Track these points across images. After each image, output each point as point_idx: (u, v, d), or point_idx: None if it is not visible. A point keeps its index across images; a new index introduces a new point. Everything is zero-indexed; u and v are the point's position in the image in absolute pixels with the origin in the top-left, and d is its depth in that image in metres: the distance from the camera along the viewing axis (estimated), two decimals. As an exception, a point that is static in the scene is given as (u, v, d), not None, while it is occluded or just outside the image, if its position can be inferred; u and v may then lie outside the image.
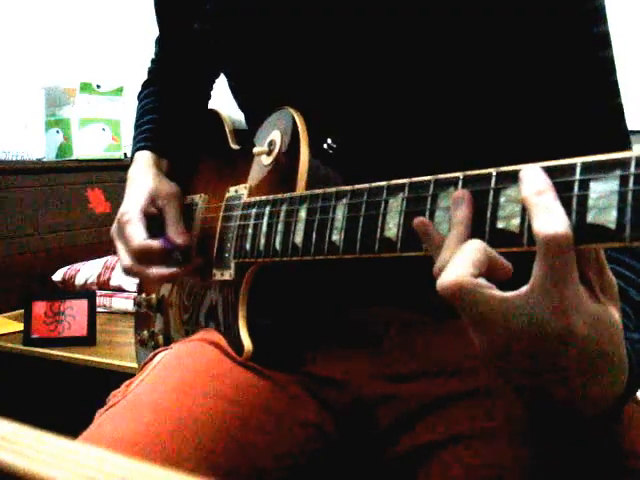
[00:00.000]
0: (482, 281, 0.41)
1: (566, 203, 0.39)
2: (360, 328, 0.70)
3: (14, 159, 2.21)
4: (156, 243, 0.76)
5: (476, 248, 0.41)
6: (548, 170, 0.40)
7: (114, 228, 0.80)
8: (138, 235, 0.76)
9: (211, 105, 0.96)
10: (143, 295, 0.93)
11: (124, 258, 0.77)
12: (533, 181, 0.40)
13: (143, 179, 0.83)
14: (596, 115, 0.62)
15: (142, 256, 0.76)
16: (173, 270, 0.76)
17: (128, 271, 0.78)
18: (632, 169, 0.36)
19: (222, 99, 0.88)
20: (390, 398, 0.65)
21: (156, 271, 0.76)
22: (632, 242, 0.36)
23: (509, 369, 0.44)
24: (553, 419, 0.50)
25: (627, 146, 0.64)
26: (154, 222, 0.79)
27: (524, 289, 0.40)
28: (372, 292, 0.69)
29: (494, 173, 0.43)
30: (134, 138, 0.91)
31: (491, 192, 0.43)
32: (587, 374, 0.43)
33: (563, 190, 0.39)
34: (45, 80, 2.26)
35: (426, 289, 0.66)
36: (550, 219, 0.38)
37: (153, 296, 0.90)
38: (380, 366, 0.67)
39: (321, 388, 0.67)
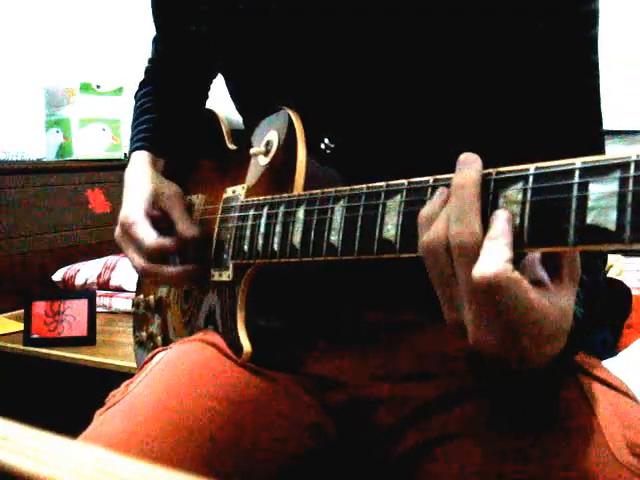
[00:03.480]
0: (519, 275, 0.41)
1: (566, 204, 0.39)
2: (358, 329, 0.70)
3: (14, 159, 2.21)
4: (169, 241, 0.75)
5: (506, 221, 0.42)
6: (547, 172, 0.40)
7: (118, 233, 0.79)
8: (149, 235, 0.75)
9: (210, 105, 0.96)
10: (141, 296, 0.93)
11: (137, 260, 0.77)
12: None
13: (142, 182, 0.82)
14: (582, 118, 0.64)
15: (156, 255, 0.75)
16: (190, 267, 0.75)
17: (144, 273, 0.77)
18: (632, 171, 0.36)
19: (222, 100, 0.88)
20: (389, 398, 0.65)
21: (174, 269, 0.75)
22: (632, 244, 0.36)
23: (504, 351, 0.45)
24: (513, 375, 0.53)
25: (602, 148, 0.66)
26: (157, 224, 0.79)
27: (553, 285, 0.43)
28: (370, 293, 0.69)
29: (494, 173, 0.43)
30: (131, 138, 0.91)
31: (490, 195, 0.43)
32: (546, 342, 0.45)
33: (562, 191, 0.39)
34: (45, 80, 2.26)
35: (424, 290, 0.67)
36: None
37: (151, 297, 0.90)
38: (379, 367, 0.67)
39: (320, 388, 0.68)
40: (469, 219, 0.42)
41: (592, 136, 0.65)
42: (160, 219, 0.80)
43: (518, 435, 0.58)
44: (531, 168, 0.41)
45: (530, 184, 0.41)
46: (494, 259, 0.41)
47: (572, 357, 0.59)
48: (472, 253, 0.42)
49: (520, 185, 0.42)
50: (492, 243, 0.41)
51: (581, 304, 0.52)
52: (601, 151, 0.65)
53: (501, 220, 0.42)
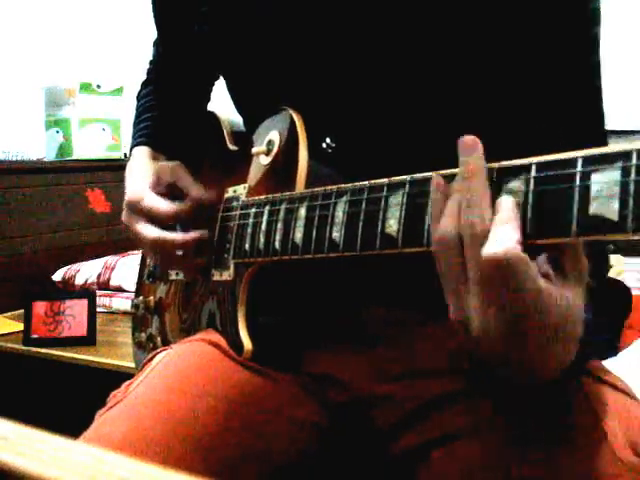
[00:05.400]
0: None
1: (568, 195, 0.39)
2: (359, 328, 0.70)
3: (14, 159, 2.21)
4: (185, 205, 0.74)
5: (514, 206, 0.42)
6: (549, 163, 0.40)
7: (125, 214, 0.78)
8: (163, 202, 0.74)
9: (211, 107, 0.97)
10: (141, 297, 0.93)
11: (149, 231, 0.74)
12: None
13: (144, 167, 0.82)
14: (580, 117, 0.64)
15: (172, 221, 0.74)
16: (204, 232, 0.73)
17: (157, 242, 0.74)
18: (634, 160, 0.36)
19: (223, 101, 0.88)
20: (389, 397, 0.65)
21: (187, 235, 0.73)
22: (634, 233, 0.36)
23: (508, 348, 0.45)
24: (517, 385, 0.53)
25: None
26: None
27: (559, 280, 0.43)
28: (370, 292, 0.69)
29: (496, 167, 0.43)
30: (132, 136, 0.91)
31: (495, 186, 0.43)
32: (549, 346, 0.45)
33: (565, 182, 0.39)
34: (45, 80, 2.26)
35: (424, 288, 0.67)
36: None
37: (151, 298, 0.90)
38: (379, 366, 0.67)
39: (320, 387, 0.68)
40: (481, 207, 0.42)
41: (595, 134, 0.65)
42: (166, 194, 0.78)
43: (520, 435, 0.57)
44: (534, 159, 0.41)
45: (533, 174, 0.41)
46: (504, 238, 0.40)
47: (582, 368, 0.59)
48: (484, 240, 0.42)
49: (523, 176, 0.42)
50: (501, 225, 0.41)
51: (590, 311, 0.51)
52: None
53: (508, 204, 0.42)
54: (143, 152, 0.86)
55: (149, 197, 0.75)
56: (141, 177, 0.80)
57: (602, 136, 0.65)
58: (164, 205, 0.74)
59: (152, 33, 0.94)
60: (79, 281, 1.93)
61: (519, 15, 0.61)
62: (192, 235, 0.74)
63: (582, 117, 0.64)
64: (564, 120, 0.63)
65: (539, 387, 0.51)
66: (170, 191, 0.78)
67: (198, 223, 0.76)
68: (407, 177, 0.49)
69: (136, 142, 0.88)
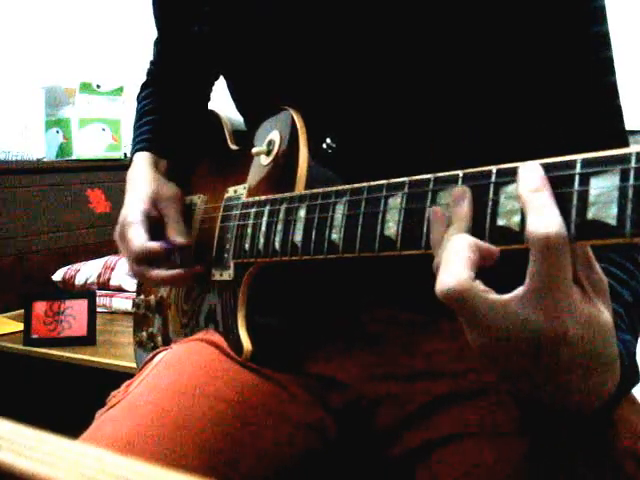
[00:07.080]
0: (481, 285, 0.41)
1: (566, 199, 0.39)
2: (360, 328, 0.70)
3: (14, 159, 2.21)
4: (155, 245, 0.76)
5: (468, 245, 0.41)
6: (548, 166, 0.40)
7: (117, 232, 0.80)
8: (138, 238, 0.76)
9: (212, 106, 0.97)
10: (142, 296, 0.93)
11: (127, 261, 0.78)
12: (529, 178, 0.40)
13: (143, 182, 0.83)
14: (595, 115, 0.63)
15: (143, 258, 0.76)
16: (173, 272, 0.76)
17: (132, 274, 0.79)
18: (633, 164, 0.36)
19: (223, 101, 0.88)
20: (390, 398, 0.65)
21: (156, 273, 0.76)
22: (633, 238, 0.36)
23: (505, 370, 0.44)
24: (544, 416, 0.51)
25: (625, 146, 0.63)
26: (156, 225, 0.79)
27: (520, 291, 0.40)
28: (371, 292, 0.69)
29: (494, 170, 0.43)
30: (133, 139, 0.91)
31: (491, 189, 0.43)
32: (577, 373, 0.42)
33: (563, 186, 0.39)
34: (45, 80, 2.26)
35: (425, 289, 0.67)
36: (543, 219, 0.38)
37: (152, 297, 0.90)
38: (380, 366, 0.67)
39: (321, 388, 0.67)
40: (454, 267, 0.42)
41: (612, 131, 0.63)
42: (159, 220, 0.80)
43: (518, 437, 0.57)
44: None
45: None
46: (444, 279, 0.41)
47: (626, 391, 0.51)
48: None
49: None
50: (445, 264, 0.41)
51: (627, 330, 0.49)
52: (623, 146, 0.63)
53: (459, 244, 0.41)
54: (144, 159, 0.86)
55: (134, 227, 0.77)
56: (137, 197, 0.81)
57: (620, 132, 0.64)
58: (137, 243, 0.76)
59: (152, 33, 0.94)
60: (79, 281, 1.93)
61: (523, 14, 0.61)
62: (164, 274, 0.76)
63: (598, 115, 0.63)
64: (580, 119, 0.62)
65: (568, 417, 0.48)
66: (162, 219, 0.81)
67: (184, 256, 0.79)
68: (406, 179, 0.49)
69: (137, 148, 0.88)
